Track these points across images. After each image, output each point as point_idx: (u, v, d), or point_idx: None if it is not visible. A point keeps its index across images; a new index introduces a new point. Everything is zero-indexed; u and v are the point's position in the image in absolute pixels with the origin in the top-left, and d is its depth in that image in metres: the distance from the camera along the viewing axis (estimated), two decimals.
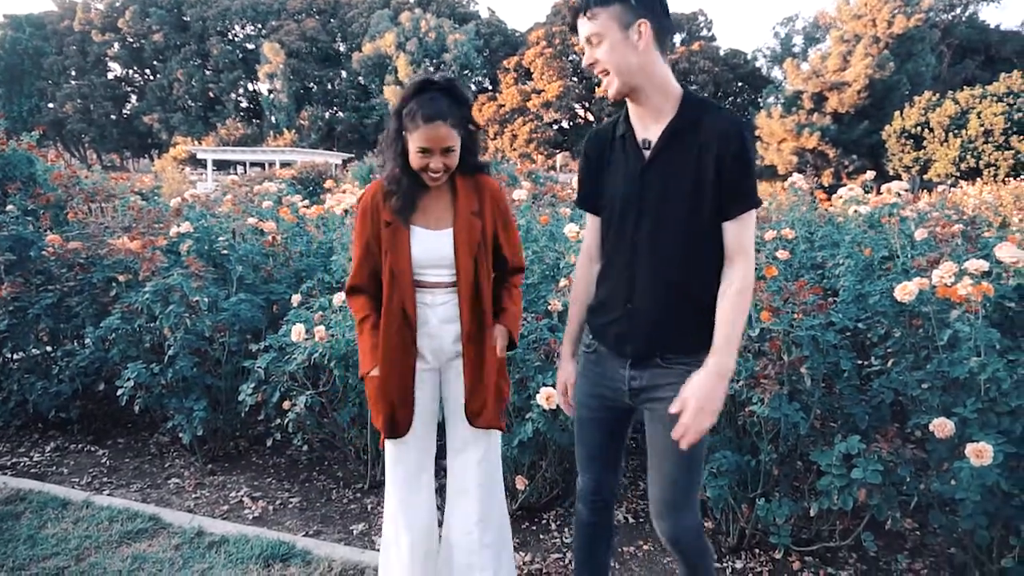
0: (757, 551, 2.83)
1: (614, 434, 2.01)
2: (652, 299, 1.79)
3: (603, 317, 1.91)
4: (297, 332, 2.94)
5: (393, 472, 2.15)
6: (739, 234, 1.72)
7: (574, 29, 1.80)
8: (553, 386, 2.68)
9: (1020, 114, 27.13)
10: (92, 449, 3.88)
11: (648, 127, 1.77)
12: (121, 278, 3.74)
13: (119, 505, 3.10)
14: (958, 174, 27.05)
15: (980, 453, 2.09)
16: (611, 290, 1.88)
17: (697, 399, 1.64)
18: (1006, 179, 18.38)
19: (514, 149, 38.57)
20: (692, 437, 1.65)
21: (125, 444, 3.96)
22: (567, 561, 2.79)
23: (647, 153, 1.76)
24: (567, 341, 2.08)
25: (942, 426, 2.27)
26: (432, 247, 2.01)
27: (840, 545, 2.75)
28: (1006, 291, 2.63)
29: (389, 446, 2.13)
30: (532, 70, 40.15)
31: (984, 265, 2.47)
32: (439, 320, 2.05)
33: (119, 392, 3.33)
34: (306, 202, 5.33)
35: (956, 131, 28.24)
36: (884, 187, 3.77)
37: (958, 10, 38.57)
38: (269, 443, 3.36)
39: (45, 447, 3.88)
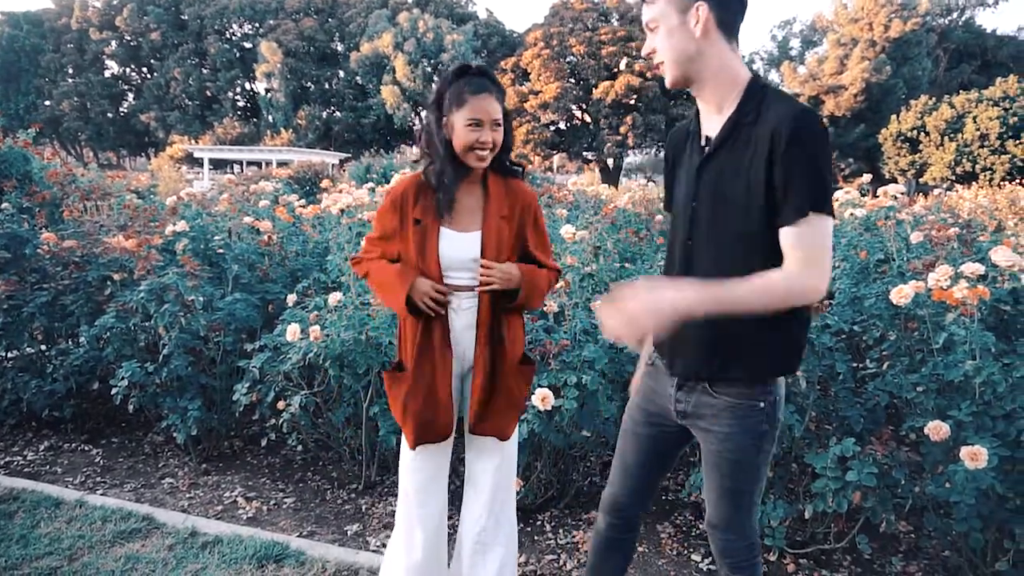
0: None
1: (654, 453, 1.86)
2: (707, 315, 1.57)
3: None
4: (292, 332, 2.93)
5: (410, 477, 2.09)
6: (797, 243, 1.47)
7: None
8: (548, 387, 2.68)
9: (1015, 118, 27.26)
10: (86, 448, 3.86)
11: (711, 121, 1.64)
12: (116, 277, 3.73)
13: (113, 505, 3.08)
14: (954, 178, 27.14)
15: (975, 456, 2.10)
16: None
17: (634, 305, 1.45)
18: (1002, 183, 18.45)
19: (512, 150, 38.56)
20: (608, 332, 1.49)
21: (119, 443, 3.94)
22: (561, 563, 2.79)
23: (706, 150, 1.62)
24: (644, 360, 1.90)
25: (937, 429, 2.27)
26: (458, 248, 1.97)
27: (835, 547, 2.76)
28: (1001, 294, 2.64)
29: (408, 450, 2.08)
30: (530, 71, 40.15)
31: (980, 268, 2.48)
32: (462, 325, 2.00)
33: (113, 391, 3.32)
34: (302, 202, 5.33)
35: (952, 135, 28.35)
36: (880, 190, 3.78)
37: (955, 15, 38.70)
38: (264, 443, 3.35)
39: (39, 446, 3.87)
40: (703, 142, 1.65)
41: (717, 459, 1.67)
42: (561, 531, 3.02)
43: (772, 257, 1.51)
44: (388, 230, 2.02)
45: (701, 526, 3.05)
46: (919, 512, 2.62)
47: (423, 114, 2.04)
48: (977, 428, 2.31)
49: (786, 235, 1.49)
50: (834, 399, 2.77)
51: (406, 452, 2.10)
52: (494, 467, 2.12)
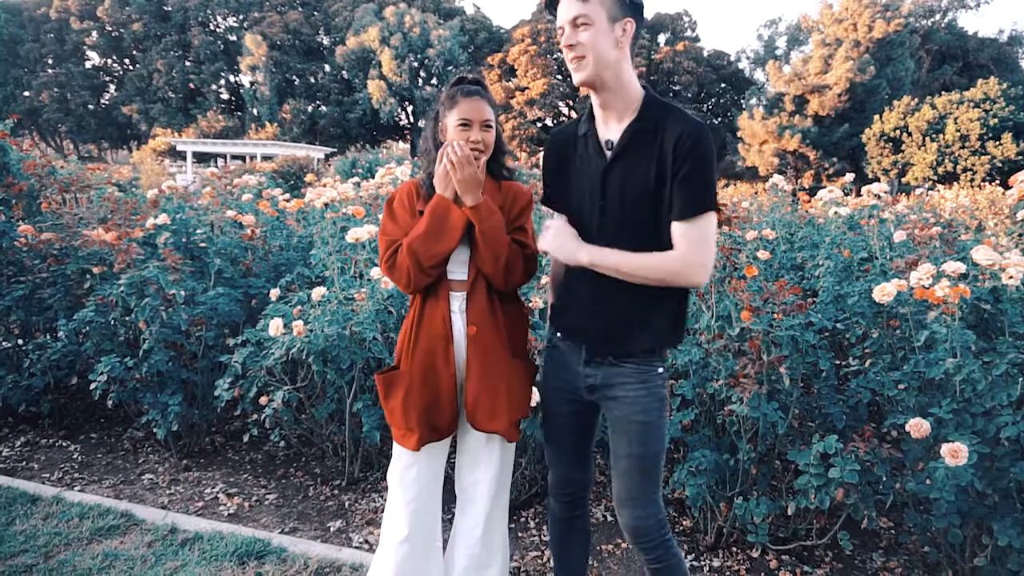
0: (735, 549, 2.84)
1: (580, 428, 2.02)
2: (615, 301, 1.82)
3: (563, 315, 1.96)
4: (275, 326, 2.90)
5: (403, 491, 2.05)
6: (686, 236, 1.71)
7: (553, 7, 1.79)
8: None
9: (995, 120, 27.63)
10: (64, 444, 3.80)
11: (610, 127, 1.81)
12: (96, 270, 3.67)
13: (90, 501, 3.04)
14: (936, 178, 27.47)
15: (955, 453, 2.11)
16: (573, 289, 1.91)
17: (563, 229, 1.82)
18: (982, 183, 18.68)
19: None
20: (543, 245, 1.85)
21: (98, 439, 3.89)
22: (545, 559, 2.78)
23: (609, 153, 1.80)
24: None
25: (918, 426, 2.29)
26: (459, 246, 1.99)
27: (817, 544, 2.77)
28: (982, 293, 2.66)
29: (401, 450, 2.04)
30: (516, 67, 40.10)
31: (961, 267, 2.50)
32: (460, 323, 2.00)
33: (92, 386, 3.27)
34: (286, 196, 5.28)
35: (934, 136, 28.70)
36: (864, 189, 3.80)
37: (937, 16, 39.09)
38: (246, 439, 3.31)
39: (15, 442, 3.81)
40: (605, 145, 1.81)
41: (627, 424, 1.84)
42: (545, 528, 3.02)
43: (662, 244, 1.75)
44: (399, 234, 1.99)
45: (684, 523, 3.06)
46: (900, 509, 2.64)
47: (422, 124, 2.04)
48: (957, 425, 2.32)
49: (681, 228, 1.72)
50: (817, 396, 2.79)
51: (398, 462, 2.05)
52: (490, 477, 2.08)
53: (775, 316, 2.65)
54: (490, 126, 1.97)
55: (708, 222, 1.72)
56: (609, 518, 3.13)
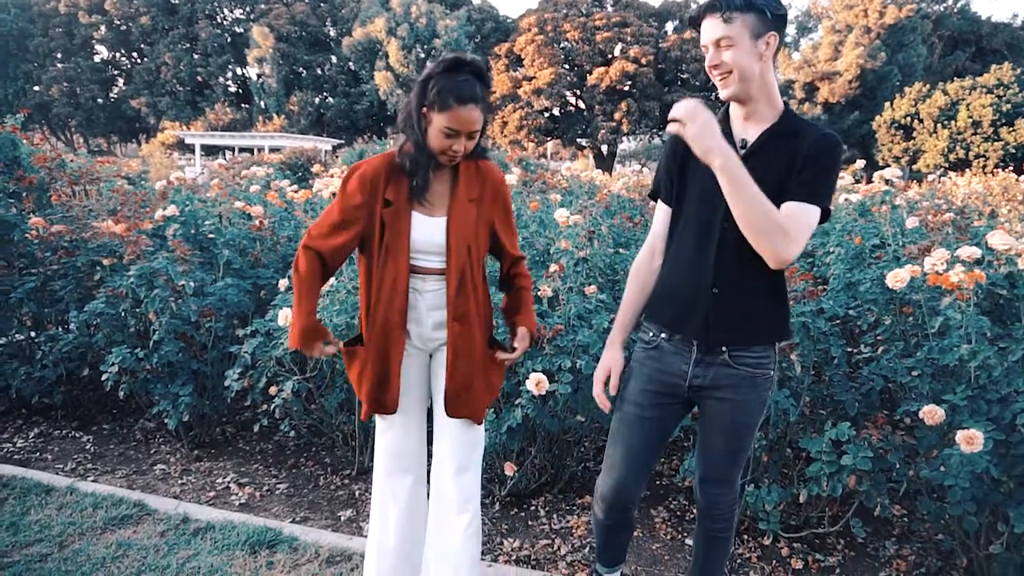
0: (746, 537, 2.83)
1: (660, 432, 1.99)
2: (738, 287, 1.82)
3: (678, 306, 1.90)
4: (284, 316, 2.90)
5: (379, 454, 2.11)
6: (797, 213, 1.70)
7: (697, 25, 1.79)
8: (543, 372, 2.66)
9: (1009, 106, 27.28)
10: (76, 435, 3.83)
11: (747, 129, 1.84)
12: (106, 262, 3.68)
13: (104, 491, 3.06)
14: (947, 165, 27.18)
15: (971, 440, 2.09)
16: (690, 279, 1.87)
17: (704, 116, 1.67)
18: (995, 170, 18.49)
19: (505, 136, 38.40)
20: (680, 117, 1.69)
21: (110, 430, 3.91)
22: (555, 548, 2.78)
23: (742, 152, 1.80)
24: (619, 329, 2.04)
25: (932, 413, 2.26)
26: (428, 233, 1.95)
27: (829, 531, 2.76)
28: (997, 279, 2.63)
29: (378, 429, 2.11)
30: (523, 57, 39.87)
31: (976, 252, 2.47)
32: (427, 307, 2.00)
33: (103, 377, 3.28)
34: (294, 187, 5.27)
35: (945, 122, 28.37)
36: (876, 174, 3.76)
37: (950, 1, 38.59)
38: (256, 429, 3.33)
39: (28, 433, 3.83)
40: (739, 144, 1.83)
41: (729, 425, 1.90)
42: (555, 516, 3.02)
43: None
44: (350, 214, 1.94)
45: (695, 511, 3.05)
46: (913, 496, 2.62)
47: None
48: (972, 412, 2.30)
49: (794, 206, 1.71)
50: (829, 384, 2.76)
51: (377, 430, 2.12)
52: (455, 470, 2.06)
53: None
54: (476, 134, 1.89)
55: (815, 214, 1.73)
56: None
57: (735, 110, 1.86)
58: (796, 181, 1.73)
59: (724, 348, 1.85)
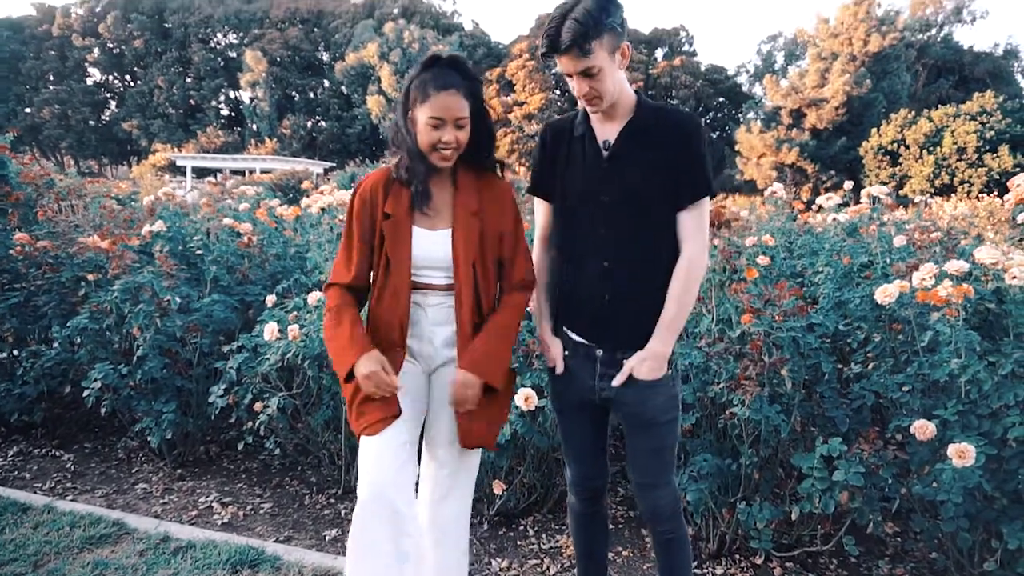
0: (738, 557, 2.79)
1: (596, 426, 2.06)
2: (626, 291, 1.88)
3: (575, 312, 1.97)
4: (270, 331, 2.87)
5: (366, 470, 1.92)
6: (691, 221, 1.85)
7: (548, 57, 1.79)
8: (532, 387, 2.63)
9: (992, 133, 27.70)
10: (57, 454, 3.75)
11: (607, 128, 1.90)
12: (90, 277, 3.64)
13: (82, 510, 2.99)
14: (933, 190, 27.49)
15: (962, 454, 2.07)
16: (578, 285, 1.94)
17: (639, 374, 1.86)
18: (979, 196, 18.70)
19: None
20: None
21: (91, 449, 3.84)
22: (544, 567, 2.73)
23: (606, 153, 1.88)
24: (545, 319, 2.06)
25: (923, 428, 2.25)
26: (429, 248, 1.89)
27: (821, 550, 2.72)
28: (985, 294, 2.63)
29: (364, 445, 1.94)
30: (514, 82, 40.29)
31: (964, 266, 2.47)
32: (430, 323, 1.93)
33: (85, 393, 3.23)
34: (284, 206, 5.25)
35: (931, 148, 28.76)
36: (863, 192, 3.78)
37: (933, 31, 39.33)
38: (240, 447, 3.26)
39: (7, 452, 3.75)
40: (603, 145, 1.89)
41: (645, 426, 1.93)
42: (544, 536, 2.97)
43: (666, 234, 1.87)
44: (362, 230, 1.90)
45: (688, 530, 3.01)
46: (906, 515, 2.59)
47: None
48: (963, 427, 2.29)
49: (683, 216, 1.85)
50: (819, 400, 2.74)
51: (362, 446, 1.95)
52: (442, 496, 2.01)
53: (775, 318, 2.61)
54: (464, 125, 1.82)
55: (706, 205, 1.87)
56: (611, 526, 3.07)
57: (598, 114, 1.90)
58: (677, 184, 1.82)
59: (621, 355, 1.89)
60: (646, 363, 1.85)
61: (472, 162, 1.94)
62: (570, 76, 1.79)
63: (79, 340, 3.50)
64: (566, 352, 1.99)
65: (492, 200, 1.94)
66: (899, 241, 3.60)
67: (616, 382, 1.88)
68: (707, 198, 1.86)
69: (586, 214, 1.90)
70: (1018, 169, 26.20)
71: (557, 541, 2.92)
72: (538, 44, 1.83)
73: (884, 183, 30.13)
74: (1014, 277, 2.48)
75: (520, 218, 2.01)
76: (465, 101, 1.81)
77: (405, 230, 1.89)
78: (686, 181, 1.83)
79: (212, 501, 3.25)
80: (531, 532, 3.00)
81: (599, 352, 1.92)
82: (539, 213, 2.08)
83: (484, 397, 1.91)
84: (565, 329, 1.99)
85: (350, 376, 1.84)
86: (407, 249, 1.88)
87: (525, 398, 2.54)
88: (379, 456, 1.86)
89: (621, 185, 1.86)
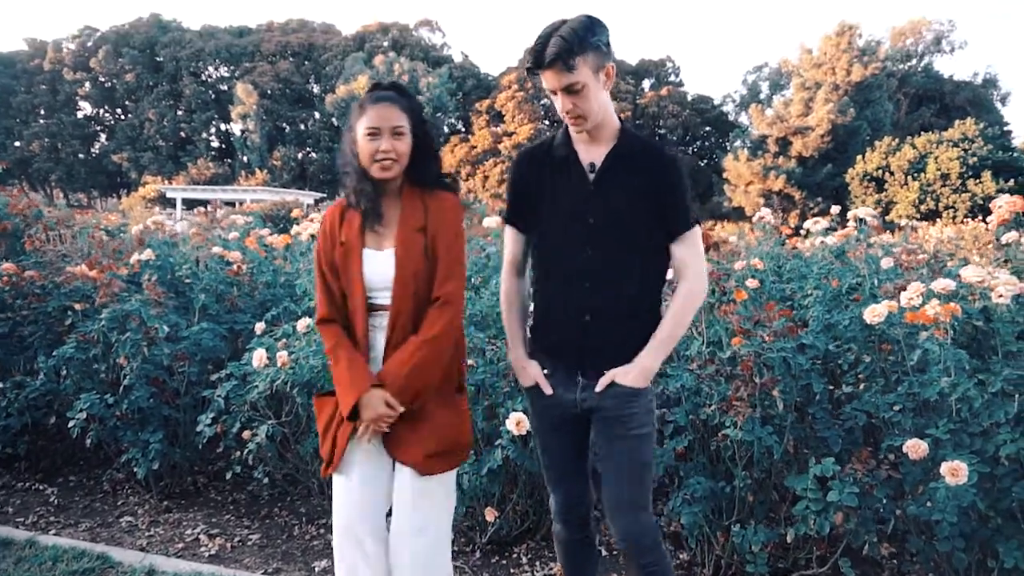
0: None
1: (577, 447, 2.06)
2: (607, 312, 1.90)
3: (555, 334, 1.98)
4: (259, 357, 2.85)
5: (336, 505, 1.95)
6: (685, 253, 1.91)
7: (534, 72, 1.83)
8: (523, 411, 2.61)
9: (975, 159, 28.16)
10: (40, 487, 3.68)
11: (591, 151, 1.92)
12: (77, 306, 3.60)
13: (65, 544, 2.93)
14: (918, 216, 27.82)
15: (955, 472, 2.07)
16: (561, 305, 1.95)
17: (622, 380, 1.87)
18: (964, 220, 18.94)
19: (486, 190, 38.86)
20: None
21: (76, 482, 3.77)
22: None
23: (592, 176, 1.90)
24: (519, 344, 2.07)
25: (916, 447, 2.24)
26: (377, 269, 1.90)
27: (818, 573, 2.69)
28: (973, 312, 2.64)
29: (334, 480, 1.96)
30: (504, 113, 40.76)
31: (951, 284, 2.49)
32: (381, 345, 1.91)
33: (71, 424, 3.17)
34: (274, 235, 5.24)
35: (915, 175, 29.18)
36: (850, 214, 3.82)
37: (914, 60, 40.17)
38: (228, 476, 3.21)
39: None
40: (588, 168, 1.91)
41: (621, 440, 1.90)
42: (538, 563, 2.92)
43: (658, 261, 1.93)
44: (325, 263, 1.94)
45: (681, 556, 2.98)
46: (901, 537, 2.57)
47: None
48: (955, 445, 2.28)
49: (675, 249, 1.91)
50: (811, 421, 2.74)
51: (334, 482, 1.97)
52: (417, 497, 1.89)
53: (765, 339, 2.62)
54: (402, 133, 1.86)
55: (697, 234, 1.93)
56: (603, 553, 3.03)
57: (582, 137, 1.93)
58: (668, 220, 1.88)
59: (603, 372, 1.89)
60: (631, 373, 1.87)
61: (417, 179, 1.95)
62: (554, 93, 1.83)
63: (65, 370, 3.45)
64: (545, 371, 1.98)
65: (436, 211, 1.93)
66: (887, 263, 3.63)
67: (599, 387, 1.88)
68: (697, 228, 1.92)
69: (572, 235, 1.91)
70: (1001, 195, 26.57)
71: (551, 568, 2.87)
72: (527, 75, 1.88)
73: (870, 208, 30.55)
74: (1000, 296, 2.50)
75: (460, 233, 1.95)
76: (402, 113, 1.87)
77: (356, 252, 1.91)
78: (673, 216, 1.89)
79: (199, 533, 3.18)
80: (524, 560, 2.95)
81: (579, 372, 1.93)
82: (508, 240, 2.10)
83: (408, 418, 1.86)
84: (541, 353, 2.01)
85: (353, 416, 1.86)
86: (358, 270, 1.90)
87: (516, 422, 2.53)
88: (347, 492, 1.93)
89: (607, 208, 1.88)
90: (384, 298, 1.90)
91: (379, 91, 1.91)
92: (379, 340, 1.92)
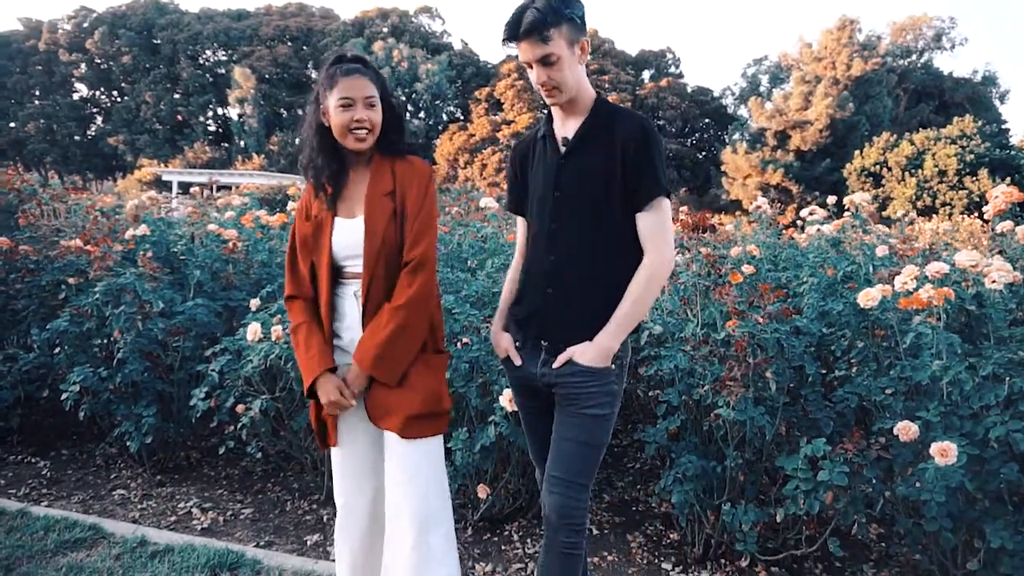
0: (723, 561, 2.77)
1: (551, 415, 2.02)
2: (571, 286, 1.89)
3: (524, 308, 1.99)
4: (253, 331, 2.84)
5: (335, 479, 2.02)
6: (650, 223, 1.85)
7: (509, 43, 1.85)
8: None
9: (972, 156, 28.19)
10: (32, 460, 3.68)
11: (567, 126, 1.94)
12: (71, 281, 3.60)
13: (56, 515, 2.93)
14: (915, 212, 27.85)
15: (944, 452, 2.08)
16: (531, 279, 1.98)
17: (580, 359, 1.83)
18: (961, 217, 18.96)
19: (484, 178, 38.76)
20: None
21: (69, 455, 3.77)
22: (529, 572, 2.70)
23: (563, 149, 1.92)
24: (499, 318, 2.10)
25: (906, 429, 2.25)
26: (347, 236, 1.91)
27: (807, 553, 2.71)
28: (966, 297, 2.66)
29: (332, 456, 2.02)
30: (503, 101, 40.60)
31: (944, 267, 2.50)
32: (360, 313, 1.92)
33: (64, 396, 3.17)
34: (270, 216, 5.22)
35: (913, 171, 29.21)
36: (847, 199, 3.83)
37: (913, 56, 40.09)
38: (222, 451, 3.22)
39: None
40: (561, 142, 1.92)
41: (577, 416, 1.87)
42: (529, 541, 2.94)
43: (628, 237, 1.86)
44: (299, 236, 1.98)
45: (671, 535, 3.00)
46: (890, 519, 2.60)
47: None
48: (945, 428, 2.30)
49: (641, 218, 1.85)
50: (804, 404, 2.75)
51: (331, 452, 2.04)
52: (405, 481, 1.87)
53: (759, 320, 2.62)
54: (374, 104, 1.89)
55: (665, 206, 1.86)
56: (595, 532, 3.06)
57: (557, 112, 1.96)
58: (633, 186, 1.82)
59: (562, 346, 1.87)
60: (589, 352, 1.82)
61: (387, 149, 1.97)
62: (529, 65, 1.84)
63: (59, 343, 3.45)
64: (517, 343, 2.00)
65: (404, 176, 1.94)
66: (882, 251, 3.64)
67: (556, 364, 1.85)
68: (665, 199, 1.85)
69: (543, 210, 1.94)
70: None
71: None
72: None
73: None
74: (994, 281, 2.51)
75: (431, 194, 1.95)
76: (371, 83, 1.90)
77: (327, 227, 1.94)
78: (641, 183, 1.83)
79: (192, 507, 3.19)
80: (516, 537, 2.97)
81: (544, 343, 1.92)
82: (518, 226, 2.16)
83: (381, 385, 1.87)
84: (513, 325, 2.03)
85: (312, 394, 1.91)
86: (327, 241, 1.92)
87: (510, 398, 2.53)
88: (342, 469, 2.00)
89: (571, 181, 1.89)
90: (357, 266, 1.91)
91: (346, 63, 1.92)
92: (353, 308, 1.92)
